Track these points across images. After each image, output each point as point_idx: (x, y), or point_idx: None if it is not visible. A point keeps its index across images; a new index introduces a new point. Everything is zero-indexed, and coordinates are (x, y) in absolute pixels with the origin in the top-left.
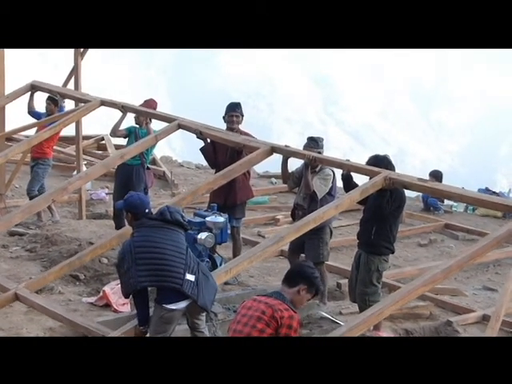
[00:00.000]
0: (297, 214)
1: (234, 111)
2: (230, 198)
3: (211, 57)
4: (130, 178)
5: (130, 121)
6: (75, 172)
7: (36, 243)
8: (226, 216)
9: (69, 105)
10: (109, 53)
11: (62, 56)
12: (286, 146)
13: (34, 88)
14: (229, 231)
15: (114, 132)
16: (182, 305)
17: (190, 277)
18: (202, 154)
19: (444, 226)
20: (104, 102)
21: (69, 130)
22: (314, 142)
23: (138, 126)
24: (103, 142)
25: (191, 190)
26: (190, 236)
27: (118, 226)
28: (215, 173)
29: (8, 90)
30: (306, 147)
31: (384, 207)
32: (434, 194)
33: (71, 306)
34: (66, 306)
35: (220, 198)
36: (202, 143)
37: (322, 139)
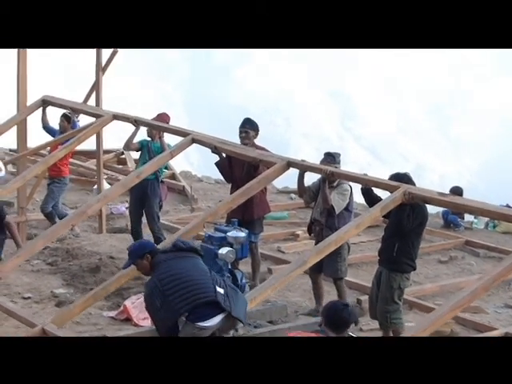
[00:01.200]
0: (314, 228)
1: (242, 127)
2: (247, 214)
3: (228, 71)
4: (145, 192)
5: (142, 134)
6: (95, 186)
7: (57, 257)
8: (247, 231)
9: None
10: (125, 66)
11: (81, 70)
12: (302, 160)
13: (45, 103)
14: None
15: (128, 146)
16: (217, 320)
17: (220, 290)
18: (218, 168)
19: (465, 242)
20: (116, 116)
21: (89, 144)
22: (331, 157)
23: (150, 139)
24: (123, 156)
25: (211, 210)
26: (210, 251)
27: (136, 239)
28: (231, 187)
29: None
30: (323, 162)
31: (404, 223)
32: (455, 208)
33: (92, 319)
34: (86, 319)
35: (237, 214)
36: (217, 157)
37: (339, 154)
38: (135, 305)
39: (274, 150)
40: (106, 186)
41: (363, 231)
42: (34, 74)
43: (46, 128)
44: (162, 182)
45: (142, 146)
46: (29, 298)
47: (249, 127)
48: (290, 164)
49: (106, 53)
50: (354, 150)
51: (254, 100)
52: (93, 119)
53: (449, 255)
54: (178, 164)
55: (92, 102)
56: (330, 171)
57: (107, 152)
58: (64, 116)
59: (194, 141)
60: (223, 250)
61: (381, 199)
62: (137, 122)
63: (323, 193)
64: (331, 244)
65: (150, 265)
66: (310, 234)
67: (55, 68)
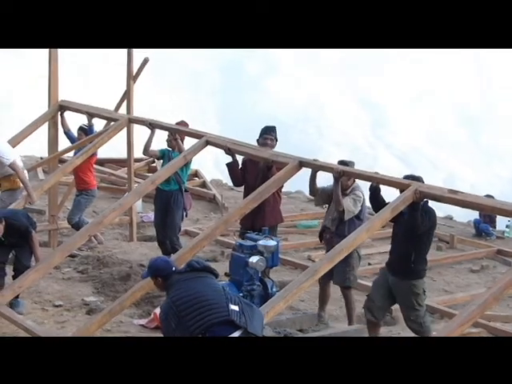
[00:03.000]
0: (324, 236)
1: (268, 134)
2: (258, 222)
3: (259, 80)
4: (168, 203)
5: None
6: (126, 194)
7: (88, 265)
8: (278, 239)
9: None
10: (156, 76)
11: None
12: (314, 160)
13: (62, 108)
14: None
15: (146, 150)
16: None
17: (234, 307)
18: (228, 169)
19: (496, 251)
20: (132, 120)
21: (120, 153)
22: (344, 166)
23: (170, 149)
24: (154, 164)
25: (223, 218)
26: (241, 259)
27: (166, 252)
28: (244, 194)
29: None
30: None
31: (419, 222)
32: (465, 206)
33: (122, 327)
34: (117, 327)
35: (248, 222)
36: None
37: (353, 163)
38: None
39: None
40: None
41: (378, 242)
42: (66, 83)
43: (67, 134)
44: (186, 191)
45: (162, 155)
46: (60, 305)
47: (274, 136)
48: (302, 164)
49: (137, 61)
50: (385, 159)
51: (284, 109)
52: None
53: (480, 264)
54: (209, 172)
55: (123, 110)
56: (341, 170)
57: (138, 160)
58: (81, 129)
59: (208, 143)
60: (254, 259)
61: (387, 203)
62: (152, 125)
63: (336, 195)
64: (342, 251)
65: (163, 285)
66: (321, 241)
67: (86, 76)
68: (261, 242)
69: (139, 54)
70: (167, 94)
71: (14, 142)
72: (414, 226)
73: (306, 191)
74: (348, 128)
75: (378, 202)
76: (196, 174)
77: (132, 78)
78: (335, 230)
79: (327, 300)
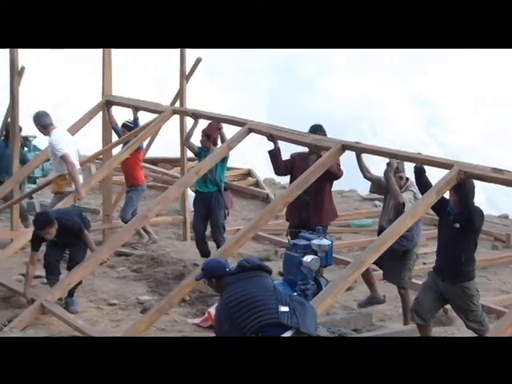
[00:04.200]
0: None
1: (314, 133)
2: (314, 220)
3: (313, 80)
4: (209, 205)
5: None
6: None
7: (142, 264)
8: (332, 239)
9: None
10: (210, 75)
11: (163, 77)
12: (356, 142)
13: (108, 103)
14: None
15: (187, 139)
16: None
17: (284, 308)
18: (270, 156)
19: None
20: (176, 111)
21: (174, 153)
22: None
23: (206, 149)
24: None
25: (267, 207)
26: (295, 259)
27: (204, 253)
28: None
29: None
30: (387, 173)
31: (476, 220)
32: (510, 185)
33: (177, 326)
34: (172, 326)
35: (302, 220)
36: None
37: (403, 163)
38: None
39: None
40: (190, 193)
41: (432, 241)
42: (120, 83)
43: (115, 129)
44: (225, 189)
45: (199, 152)
46: (114, 304)
47: (323, 134)
48: (344, 147)
49: (190, 61)
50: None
51: (338, 108)
52: None
53: None
54: (263, 172)
55: None
56: (391, 161)
57: (191, 160)
58: (124, 126)
59: (250, 130)
60: (308, 258)
61: (431, 185)
62: (195, 115)
63: (393, 190)
64: (387, 240)
65: (216, 286)
66: None
67: (139, 75)
68: (315, 242)
69: (192, 53)
70: (220, 94)
71: None
72: (471, 225)
73: (359, 190)
74: (402, 126)
75: (423, 183)
76: (249, 174)
77: (185, 77)
78: None
79: (373, 281)
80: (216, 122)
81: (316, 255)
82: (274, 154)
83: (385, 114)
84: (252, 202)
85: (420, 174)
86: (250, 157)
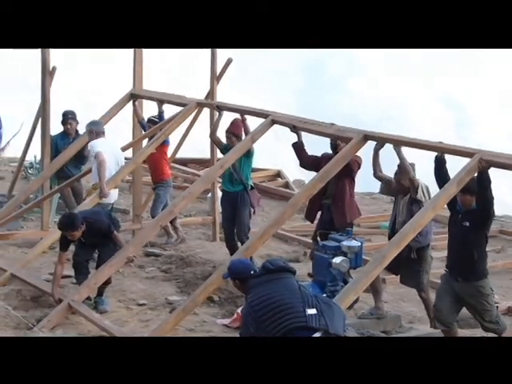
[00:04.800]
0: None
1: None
2: (337, 220)
3: (341, 80)
4: (235, 204)
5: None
6: (209, 194)
7: (171, 264)
8: (362, 240)
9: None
10: (240, 76)
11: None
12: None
13: (133, 97)
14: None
15: (213, 133)
16: None
17: (311, 311)
18: (294, 149)
19: None
20: (200, 104)
21: (204, 153)
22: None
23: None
24: None
25: (290, 201)
26: (324, 260)
27: (233, 252)
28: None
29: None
30: (396, 175)
31: (492, 215)
32: None
33: (206, 327)
34: (200, 327)
35: (325, 222)
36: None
37: (414, 164)
38: None
39: (387, 158)
40: (219, 193)
41: None
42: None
43: (141, 124)
44: (252, 188)
45: (224, 148)
46: (143, 304)
47: None
48: (366, 137)
49: (221, 62)
50: (466, 159)
51: (366, 108)
52: None
53: None
54: (292, 173)
55: (206, 111)
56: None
57: None
58: (150, 121)
59: (273, 122)
60: (337, 260)
61: (450, 178)
62: (219, 108)
63: (406, 166)
64: (409, 234)
65: (241, 287)
66: None
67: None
68: (344, 243)
69: (223, 53)
70: (250, 94)
71: None
72: (484, 218)
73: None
74: (431, 128)
75: (443, 175)
76: (279, 175)
77: (215, 77)
78: None
79: (380, 289)
80: (239, 117)
81: (346, 257)
82: (298, 147)
83: (412, 114)
84: (281, 203)
85: (441, 164)
86: (281, 158)
